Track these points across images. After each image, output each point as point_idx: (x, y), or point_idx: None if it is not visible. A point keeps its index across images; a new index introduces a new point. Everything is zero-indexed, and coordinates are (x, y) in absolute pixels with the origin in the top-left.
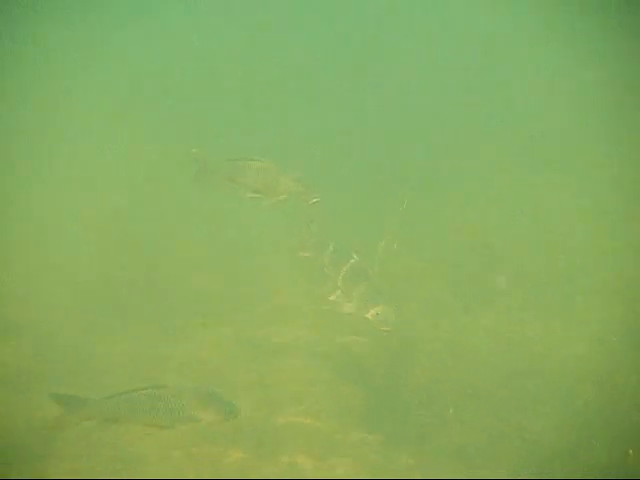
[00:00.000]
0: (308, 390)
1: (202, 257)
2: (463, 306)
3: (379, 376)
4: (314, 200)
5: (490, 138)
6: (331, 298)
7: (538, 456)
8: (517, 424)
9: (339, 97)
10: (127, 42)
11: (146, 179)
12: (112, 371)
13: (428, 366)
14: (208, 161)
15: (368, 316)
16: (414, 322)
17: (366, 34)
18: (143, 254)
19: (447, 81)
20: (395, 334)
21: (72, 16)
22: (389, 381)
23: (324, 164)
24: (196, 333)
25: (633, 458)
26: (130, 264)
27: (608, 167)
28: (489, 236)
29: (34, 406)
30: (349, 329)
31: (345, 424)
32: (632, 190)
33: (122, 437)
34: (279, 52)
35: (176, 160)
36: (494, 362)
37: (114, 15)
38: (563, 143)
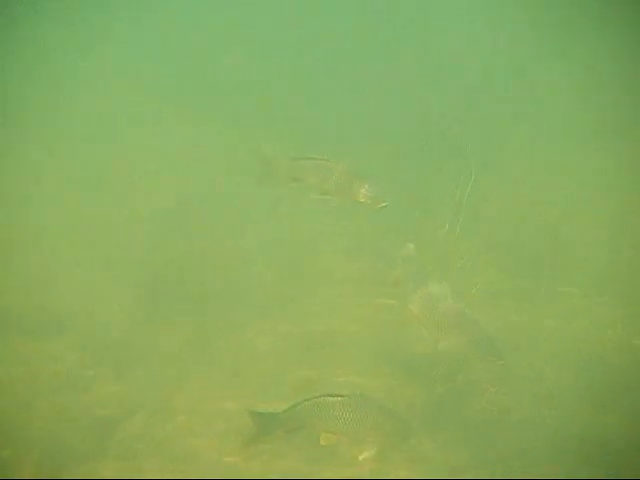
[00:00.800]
0: None
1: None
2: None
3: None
4: (382, 204)
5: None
6: None
7: None
8: None
9: (386, 84)
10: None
11: (209, 175)
12: None
13: None
14: (272, 159)
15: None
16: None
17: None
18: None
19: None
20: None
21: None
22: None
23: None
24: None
25: None
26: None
27: None
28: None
29: None
30: None
31: None
32: None
33: None
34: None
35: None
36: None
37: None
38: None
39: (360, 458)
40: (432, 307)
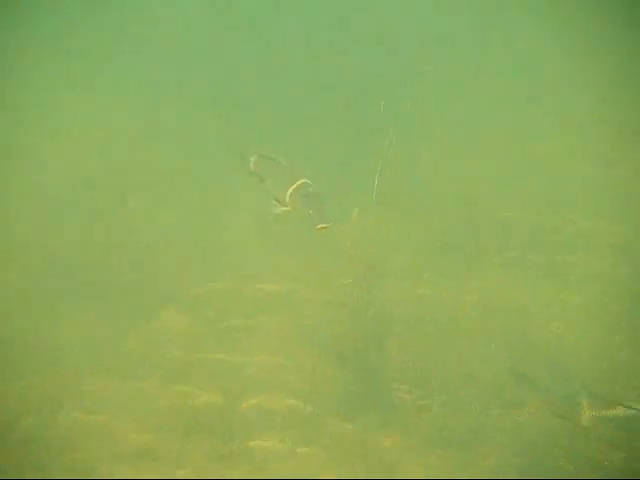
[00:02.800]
0: None
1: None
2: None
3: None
4: (321, 225)
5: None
6: None
7: None
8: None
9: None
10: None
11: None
12: None
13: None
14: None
15: None
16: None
17: None
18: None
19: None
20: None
21: None
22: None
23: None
24: None
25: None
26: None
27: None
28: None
29: None
30: None
31: None
32: None
33: None
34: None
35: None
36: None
37: None
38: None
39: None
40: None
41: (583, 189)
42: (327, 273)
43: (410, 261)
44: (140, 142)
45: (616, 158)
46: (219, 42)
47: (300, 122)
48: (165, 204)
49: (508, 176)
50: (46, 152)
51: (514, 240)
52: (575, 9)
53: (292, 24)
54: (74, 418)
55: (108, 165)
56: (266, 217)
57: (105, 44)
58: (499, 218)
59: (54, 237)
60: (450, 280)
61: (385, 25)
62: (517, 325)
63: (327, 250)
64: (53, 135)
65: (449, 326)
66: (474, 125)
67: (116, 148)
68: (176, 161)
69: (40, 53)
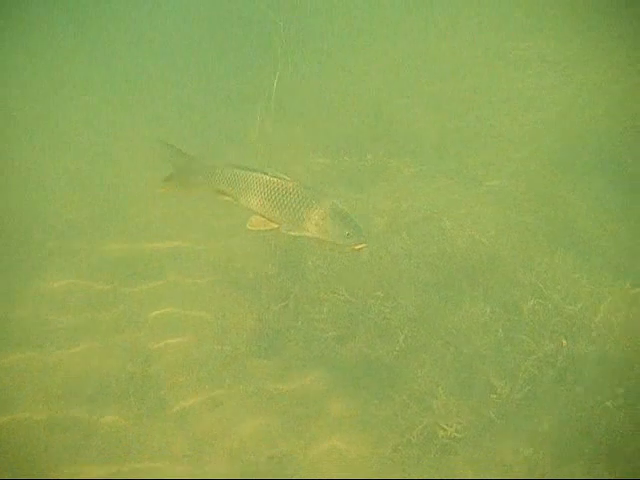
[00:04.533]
0: None
1: None
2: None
3: None
4: (360, 246)
5: None
6: None
7: None
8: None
9: None
10: None
11: None
12: None
13: None
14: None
15: None
16: None
17: None
18: None
19: None
20: None
21: None
22: None
23: None
24: None
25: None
26: None
27: None
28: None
29: None
30: None
31: None
32: None
33: None
34: None
35: None
36: None
37: None
38: None
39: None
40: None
41: (495, 91)
42: None
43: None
44: None
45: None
46: None
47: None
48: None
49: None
50: None
51: (423, 149)
52: None
53: None
54: None
55: None
56: None
57: None
58: (407, 126)
59: None
60: (359, 189)
61: None
62: (432, 235)
63: None
64: None
65: None
66: (380, 33)
67: None
68: None
69: None
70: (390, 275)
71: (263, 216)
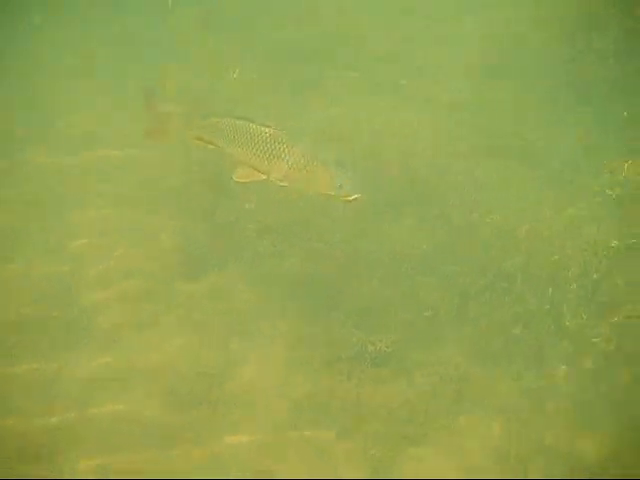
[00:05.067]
0: None
1: None
2: None
3: None
4: (354, 196)
5: None
6: None
7: None
8: None
9: None
10: None
11: None
12: None
13: None
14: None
15: None
16: None
17: None
18: None
19: None
20: None
21: None
22: None
23: None
24: None
25: None
26: None
27: None
28: None
29: None
30: None
31: None
32: None
33: None
34: None
35: None
36: None
37: None
38: None
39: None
40: None
41: None
42: None
43: None
44: None
45: None
46: None
47: None
48: None
49: None
50: None
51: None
52: None
53: None
54: None
55: None
56: None
57: None
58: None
59: None
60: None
61: None
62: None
63: None
64: None
65: None
66: None
67: None
68: None
69: None
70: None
71: (251, 166)
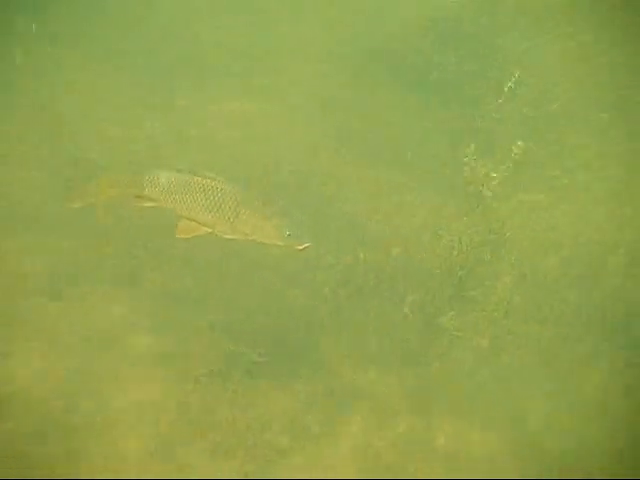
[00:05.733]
0: None
1: None
2: None
3: None
4: (304, 245)
5: None
6: None
7: None
8: None
9: None
10: None
11: None
12: None
13: None
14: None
15: None
16: None
17: None
18: None
19: None
20: None
21: None
22: None
23: None
24: None
25: None
26: None
27: None
28: None
29: None
30: None
31: None
32: None
33: None
34: None
35: None
36: None
37: None
38: None
39: None
40: None
41: None
42: None
43: None
44: None
45: None
46: None
47: None
48: None
49: None
50: None
51: None
52: None
53: None
54: None
55: None
56: None
57: None
58: None
59: None
60: None
61: None
62: None
63: None
64: None
65: None
66: None
67: None
68: None
69: None
70: None
71: (194, 220)
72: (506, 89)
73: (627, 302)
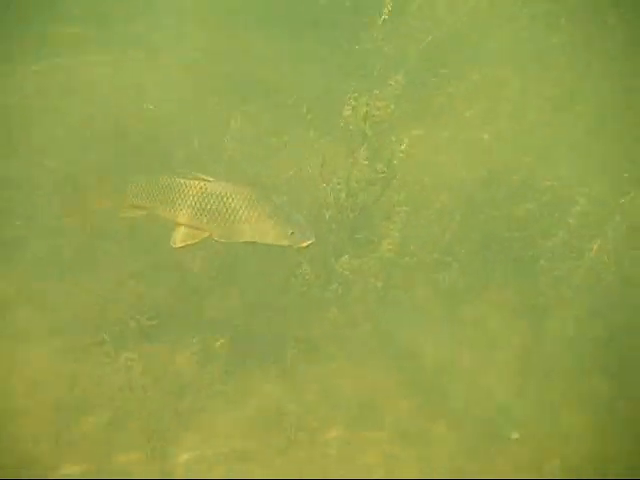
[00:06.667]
0: None
1: None
2: None
3: None
4: (308, 242)
5: None
6: None
7: None
8: None
9: None
10: None
11: None
12: None
13: None
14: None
15: None
16: None
17: None
18: None
19: None
20: None
21: None
22: None
23: None
24: None
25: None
26: None
27: None
28: None
29: None
30: None
31: None
32: None
33: None
34: None
35: None
36: None
37: None
38: None
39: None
40: None
41: None
42: None
43: None
44: None
45: None
46: None
47: None
48: None
49: None
50: None
51: None
52: None
53: None
54: None
55: None
56: None
57: None
58: None
59: None
60: None
61: None
62: None
63: None
64: None
65: None
66: None
67: None
68: None
69: None
70: None
71: (189, 226)
72: (381, 22)
73: (511, 230)
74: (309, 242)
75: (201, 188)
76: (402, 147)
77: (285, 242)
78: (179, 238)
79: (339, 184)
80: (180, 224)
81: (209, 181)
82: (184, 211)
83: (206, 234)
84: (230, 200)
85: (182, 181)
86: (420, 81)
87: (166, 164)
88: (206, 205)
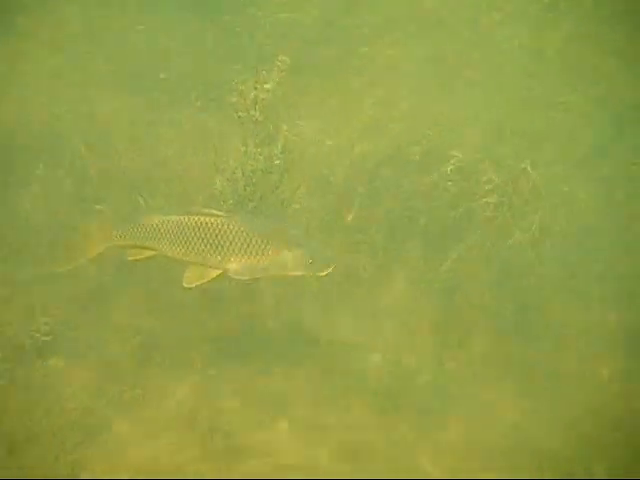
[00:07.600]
0: None
1: None
2: None
3: None
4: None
5: None
6: None
7: None
8: None
9: None
10: None
11: None
12: None
13: None
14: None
15: None
16: None
17: None
18: None
19: None
20: None
21: None
22: None
23: None
24: None
25: None
26: None
27: None
28: None
29: None
30: None
31: None
32: None
33: None
34: None
35: None
36: None
37: None
38: None
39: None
40: None
41: None
42: None
43: None
44: None
45: None
46: None
47: None
48: None
49: None
50: None
51: None
52: None
53: None
54: None
55: None
56: None
57: None
58: None
59: None
60: None
61: None
62: None
63: None
64: None
65: None
66: None
67: None
68: None
69: None
70: None
71: (201, 264)
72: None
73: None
74: (329, 269)
75: (213, 224)
76: (293, 129)
77: (305, 271)
78: (192, 278)
79: (234, 174)
80: (192, 264)
81: (222, 216)
82: (195, 249)
83: (219, 271)
84: (244, 234)
85: (191, 218)
86: (310, 60)
87: None
88: (219, 241)
